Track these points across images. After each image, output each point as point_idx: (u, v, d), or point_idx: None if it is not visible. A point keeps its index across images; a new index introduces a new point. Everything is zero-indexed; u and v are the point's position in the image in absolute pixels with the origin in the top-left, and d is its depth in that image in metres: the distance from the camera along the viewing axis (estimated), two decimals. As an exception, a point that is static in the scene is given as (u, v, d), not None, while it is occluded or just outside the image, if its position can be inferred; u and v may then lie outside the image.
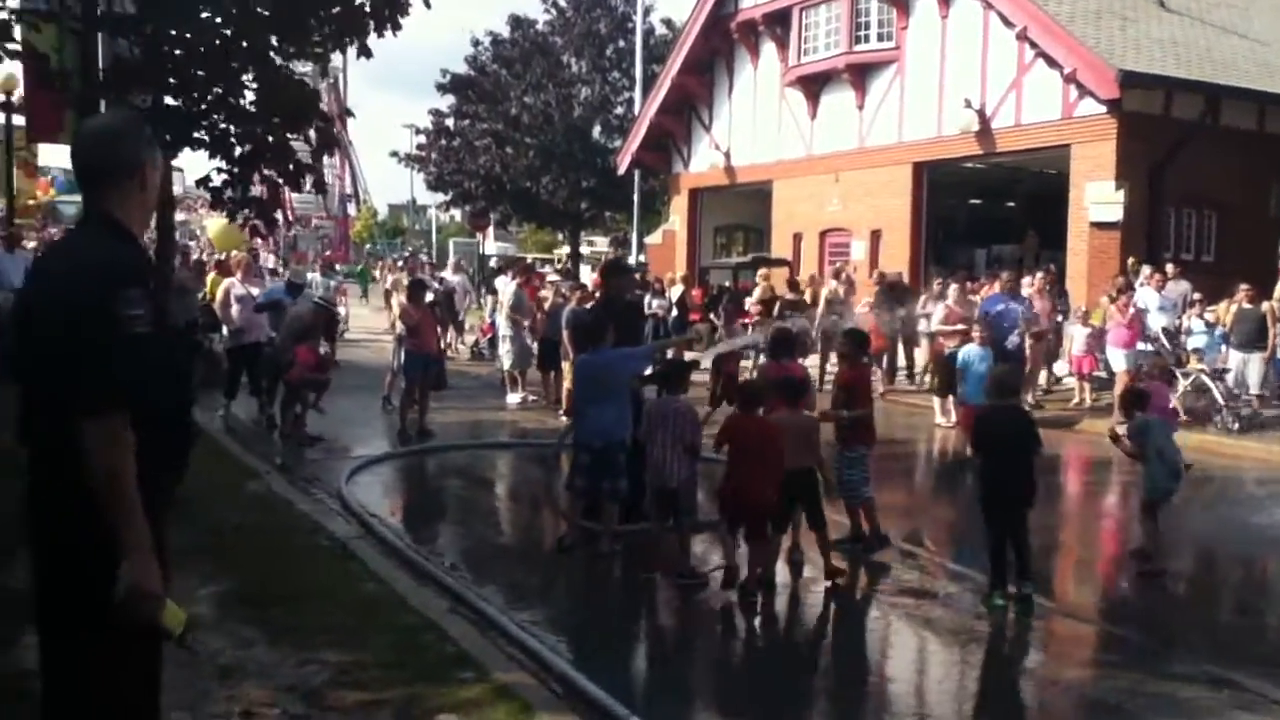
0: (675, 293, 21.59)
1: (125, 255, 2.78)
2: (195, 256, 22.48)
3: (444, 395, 12.82)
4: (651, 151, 28.41)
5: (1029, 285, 14.91)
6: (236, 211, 11.71)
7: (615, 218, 42.35)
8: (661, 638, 6.47)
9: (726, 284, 23.38)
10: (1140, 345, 13.90)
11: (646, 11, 33.65)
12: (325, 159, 16.74)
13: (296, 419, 11.26)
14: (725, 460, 6.72)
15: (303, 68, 12.87)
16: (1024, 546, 6.42)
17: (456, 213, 46.47)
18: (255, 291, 12.76)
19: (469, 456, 11.26)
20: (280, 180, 12.03)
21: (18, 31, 10.47)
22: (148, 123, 3.32)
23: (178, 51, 10.71)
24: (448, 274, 22.05)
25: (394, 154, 42.84)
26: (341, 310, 19.86)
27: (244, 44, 10.84)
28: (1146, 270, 15.66)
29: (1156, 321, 14.41)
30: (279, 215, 14.05)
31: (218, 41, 10.73)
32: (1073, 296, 17.07)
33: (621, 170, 29.89)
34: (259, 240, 19.64)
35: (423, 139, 39.89)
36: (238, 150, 11.38)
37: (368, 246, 56.56)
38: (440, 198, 41.77)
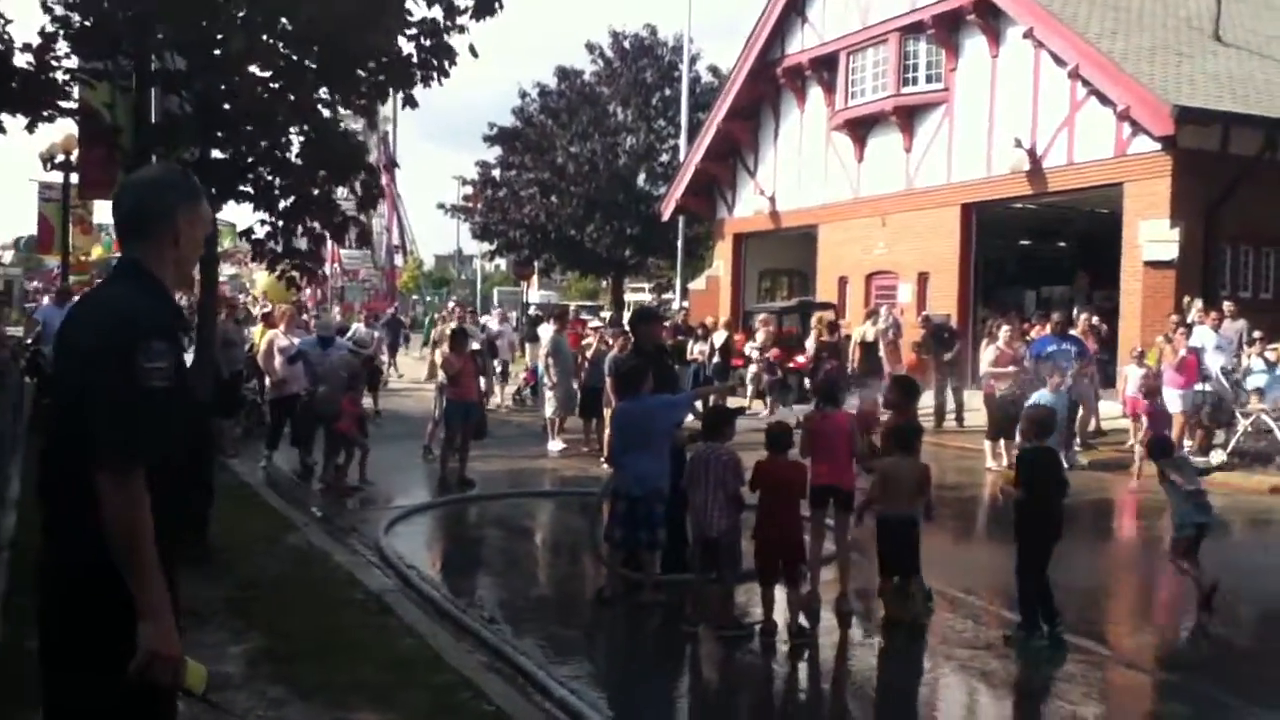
0: (719, 338, 21.42)
1: (149, 306, 2.71)
2: (257, 310, 22.47)
3: (485, 444, 12.72)
4: (696, 197, 28.45)
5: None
6: (276, 263, 11.79)
7: (659, 264, 42.38)
8: (705, 693, 6.27)
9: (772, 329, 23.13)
10: (1198, 385, 13.52)
11: (693, 60, 33.87)
12: (374, 211, 16.94)
13: (338, 469, 11.23)
14: (756, 506, 6.60)
15: (354, 124, 13.01)
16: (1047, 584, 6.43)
17: (502, 261, 46.77)
18: (299, 343, 12.82)
19: (509, 506, 11.14)
20: (326, 232, 12.13)
21: (75, 91, 10.70)
22: (194, 176, 3.25)
23: (226, 106, 10.85)
24: (491, 321, 22.06)
25: (440, 205, 43.34)
26: (384, 358, 19.91)
27: (291, 97, 10.97)
28: (1199, 304, 15.28)
29: (1214, 361, 14.01)
30: (322, 266, 14.15)
31: (266, 95, 10.86)
32: (1126, 336, 16.68)
33: (666, 216, 29.93)
34: (305, 292, 19.79)
35: (469, 190, 40.27)
36: (282, 203, 11.49)
37: (414, 298, 56.98)
38: (485, 247, 42.05)
